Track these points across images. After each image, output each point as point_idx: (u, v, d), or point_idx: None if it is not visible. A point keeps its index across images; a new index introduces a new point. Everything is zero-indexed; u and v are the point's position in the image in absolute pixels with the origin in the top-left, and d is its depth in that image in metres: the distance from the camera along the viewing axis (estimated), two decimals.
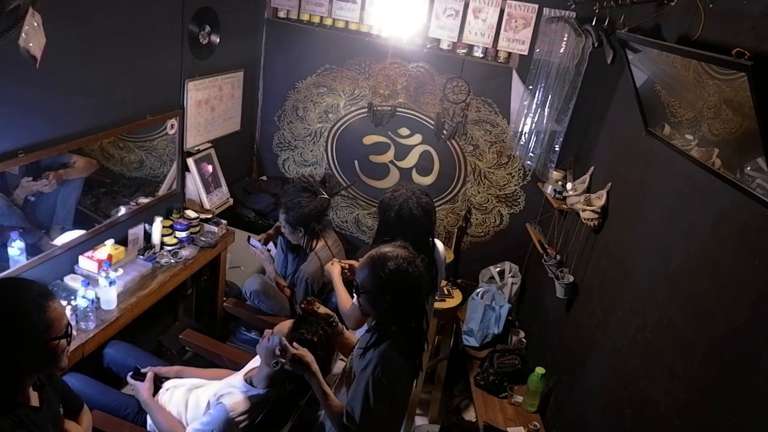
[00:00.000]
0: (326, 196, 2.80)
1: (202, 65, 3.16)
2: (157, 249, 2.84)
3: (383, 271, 1.73)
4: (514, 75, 3.31)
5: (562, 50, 2.93)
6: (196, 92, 3.14)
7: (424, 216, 2.23)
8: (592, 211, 2.53)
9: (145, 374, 2.23)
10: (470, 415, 3.16)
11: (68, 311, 2.17)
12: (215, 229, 3.10)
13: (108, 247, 2.56)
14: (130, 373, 2.23)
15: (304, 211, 2.71)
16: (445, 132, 3.53)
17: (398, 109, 3.63)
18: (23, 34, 1.80)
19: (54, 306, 1.44)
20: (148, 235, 2.85)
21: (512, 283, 3.46)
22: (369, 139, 3.77)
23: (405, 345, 1.78)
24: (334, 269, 2.35)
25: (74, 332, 2.18)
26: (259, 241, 2.99)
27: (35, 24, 1.84)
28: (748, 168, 1.52)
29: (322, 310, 2.08)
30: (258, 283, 2.84)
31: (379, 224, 2.33)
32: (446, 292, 3.13)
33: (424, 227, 2.26)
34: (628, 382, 2.03)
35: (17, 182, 2.35)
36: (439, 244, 2.43)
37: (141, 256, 2.75)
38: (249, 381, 2.06)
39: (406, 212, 2.20)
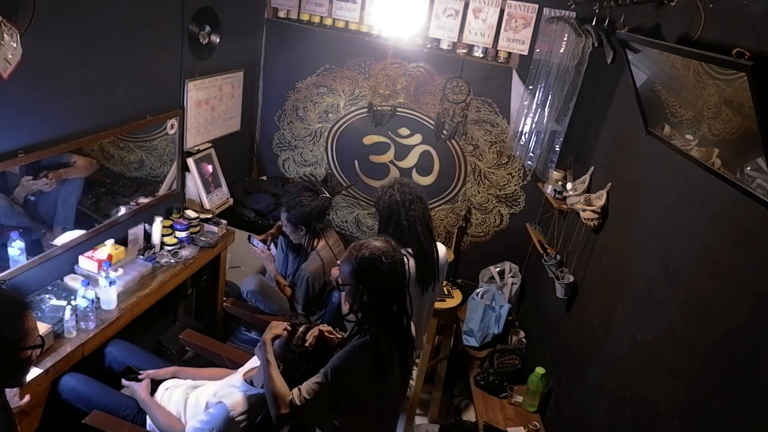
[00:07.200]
0: (328, 195, 2.80)
1: (202, 65, 3.16)
2: (157, 249, 2.84)
3: (356, 260, 1.73)
4: (514, 75, 3.31)
5: (562, 50, 2.93)
6: (196, 92, 3.14)
7: (409, 201, 2.26)
8: (592, 211, 2.53)
9: (137, 372, 2.24)
10: (470, 415, 3.16)
11: (68, 311, 2.17)
12: (215, 229, 3.11)
13: (108, 247, 2.56)
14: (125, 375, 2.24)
15: (306, 210, 2.71)
16: (445, 132, 3.53)
17: (398, 109, 3.63)
18: None
19: (30, 316, 1.40)
20: (148, 235, 2.85)
21: (512, 283, 3.46)
22: (369, 139, 3.77)
23: (379, 345, 1.73)
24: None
25: (75, 332, 2.19)
26: (262, 240, 2.99)
27: (7, 37, 1.80)
28: (748, 168, 1.52)
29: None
30: (255, 283, 2.84)
31: (378, 224, 2.36)
32: (446, 292, 3.13)
33: (414, 212, 2.27)
34: (628, 382, 2.03)
35: (17, 182, 2.35)
36: (440, 247, 2.44)
37: (141, 256, 2.75)
38: (249, 381, 2.06)
39: (394, 203, 2.25)
